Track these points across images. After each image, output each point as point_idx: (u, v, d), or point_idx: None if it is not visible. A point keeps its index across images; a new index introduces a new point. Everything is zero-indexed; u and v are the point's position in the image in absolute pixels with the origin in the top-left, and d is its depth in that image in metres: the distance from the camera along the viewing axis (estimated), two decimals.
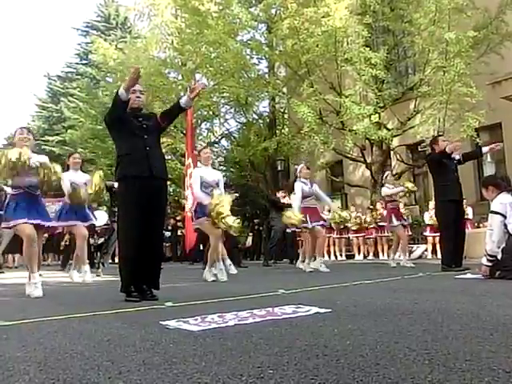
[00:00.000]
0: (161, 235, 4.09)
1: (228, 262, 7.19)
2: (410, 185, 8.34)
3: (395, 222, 7.83)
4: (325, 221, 7.90)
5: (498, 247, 4.47)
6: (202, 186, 5.69)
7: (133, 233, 3.48)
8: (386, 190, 8.00)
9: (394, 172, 13.45)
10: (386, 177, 8.32)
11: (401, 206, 8.81)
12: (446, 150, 5.86)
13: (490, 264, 4.51)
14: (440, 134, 7.41)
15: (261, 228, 14.50)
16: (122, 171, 3.61)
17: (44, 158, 4.43)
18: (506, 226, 4.45)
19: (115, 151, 3.79)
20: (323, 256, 7.79)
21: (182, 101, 3.76)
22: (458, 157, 6.18)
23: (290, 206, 9.77)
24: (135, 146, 3.56)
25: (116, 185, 7.05)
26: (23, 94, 64.24)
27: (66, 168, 6.17)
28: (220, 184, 5.89)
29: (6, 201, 4.45)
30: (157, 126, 3.78)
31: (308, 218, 7.10)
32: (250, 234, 15.57)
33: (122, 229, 3.68)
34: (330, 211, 12.93)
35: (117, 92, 3.51)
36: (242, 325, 2.24)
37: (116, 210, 8.05)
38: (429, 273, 5.37)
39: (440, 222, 6.23)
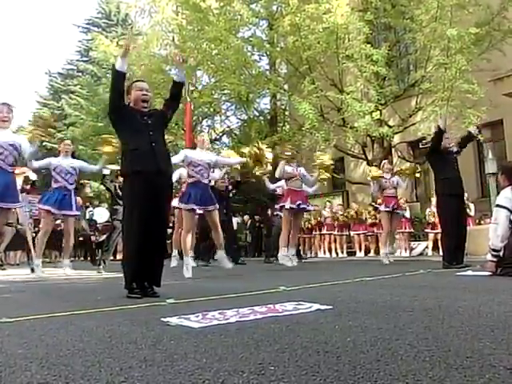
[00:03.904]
0: (164, 232, 4.08)
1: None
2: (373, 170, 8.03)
3: (383, 208, 7.81)
4: (308, 205, 7.51)
5: (502, 242, 4.44)
6: (191, 164, 5.78)
7: (137, 229, 3.46)
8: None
9: (395, 169, 13.41)
10: (383, 166, 8.28)
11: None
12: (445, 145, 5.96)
13: (495, 259, 4.47)
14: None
15: (261, 225, 14.47)
16: (127, 167, 3.61)
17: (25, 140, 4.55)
18: (511, 221, 4.41)
19: (120, 148, 3.81)
20: (294, 247, 7.50)
21: (175, 77, 3.99)
22: (455, 149, 6.19)
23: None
24: (141, 142, 3.55)
25: (106, 172, 7.07)
26: (24, 92, 64.24)
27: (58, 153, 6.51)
28: (219, 162, 6.10)
29: None
30: (161, 122, 3.81)
31: (289, 200, 6.93)
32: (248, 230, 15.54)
33: (127, 226, 3.67)
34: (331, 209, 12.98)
35: (113, 67, 3.61)
36: (243, 321, 2.24)
37: (116, 207, 8.12)
38: (430, 270, 5.36)
39: (441, 217, 6.22)
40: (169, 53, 4.61)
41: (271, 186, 7.99)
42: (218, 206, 6.04)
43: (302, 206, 7.07)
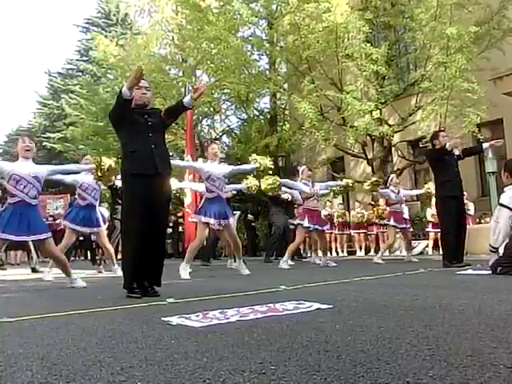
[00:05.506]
0: (164, 232, 4.09)
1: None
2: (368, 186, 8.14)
3: (392, 222, 8.01)
4: (326, 224, 8.00)
5: (502, 241, 4.44)
6: (210, 179, 5.76)
7: (136, 229, 3.47)
8: (390, 193, 8.10)
9: (395, 168, 13.43)
10: (392, 179, 8.32)
11: (405, 211, 8.81)
12: (447, 147, 5.81)
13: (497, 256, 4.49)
14: (441, 129, 7.32)
15: (253, 224, 14.31)
16: (127, 168, 3.63)
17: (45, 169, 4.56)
18: None
19: (120, 148, 3.83)
20: (326, 254, 7.95)
21: (185, 100, 3.80)
22: (457, 152, 6.14)
23: (290, 202, 9.88)
24: (141, 144, 3.56)
25: (118, 182, 7.09)
26: (24, 91, 64.28)
27: None
28: (234, 171, 6.22)
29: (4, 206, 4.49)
30: (162, 123, 3.79)
31: (307, 219, 7.26)
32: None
33: (126, 225, 3.68)
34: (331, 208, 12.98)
35: (120, 90, 3.52)
36: (244, 321, 2.25)
37: (117, 207, 8.11)
38: (430, 269, 5.36)
39: (440, 218, 6.21)
40: (193, 85, 4.48)
41: (304, 189, 7.68)
42: (232, 220, 6.24)
43: (318, 228, 7.44)
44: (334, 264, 7.36)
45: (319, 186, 7.69)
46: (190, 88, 4.03)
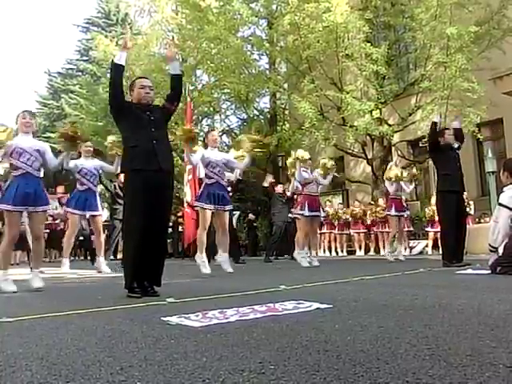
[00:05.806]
0: (165, 230, 4.07)
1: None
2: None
3: (393, 212, 8.02)
4: (323, 210, 8.02)
5: (501, 241, 4.44)
6: (209, 165, 5.74)
7: (137, 226, 3.45)
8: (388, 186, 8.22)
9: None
10: (390, 168, 8.34)
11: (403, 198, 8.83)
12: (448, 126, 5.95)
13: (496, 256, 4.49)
14: (446, 127, 7.30)
15: (255, 224, 14.31)
16: (128, 163, 3.60)
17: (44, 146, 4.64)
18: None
19: (122, 143, 3.86)
20: (315, 248, 7.99)
21: (171, 70, 3.95)
22: (456, 145, 6.15)
23: (290, 198, 9.84)
24: (142, 139, 3.54)
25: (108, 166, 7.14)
26: (24, 91, 64.16)
27: (78, 155, 6.61)
28: (229, 163, 6.03)
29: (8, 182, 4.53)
30: (164, 119, 3.80)
31: (307, 207, 7.22)
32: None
33: (127, 223, 3.66)
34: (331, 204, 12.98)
35: (112, 61, 3.65)
36: (243, 321, 2.24)
37: (117, 207, 8.13)
38: (429, 268, 5.36)
39: (440, 213, 6.20)
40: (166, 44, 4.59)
41: (304, 175, 7.85)
42: (231, 207, 6.14)
43: (316, 214, 7.44)
44: (317, 263, 7.30)
45: (317, 174, 7.71)
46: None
